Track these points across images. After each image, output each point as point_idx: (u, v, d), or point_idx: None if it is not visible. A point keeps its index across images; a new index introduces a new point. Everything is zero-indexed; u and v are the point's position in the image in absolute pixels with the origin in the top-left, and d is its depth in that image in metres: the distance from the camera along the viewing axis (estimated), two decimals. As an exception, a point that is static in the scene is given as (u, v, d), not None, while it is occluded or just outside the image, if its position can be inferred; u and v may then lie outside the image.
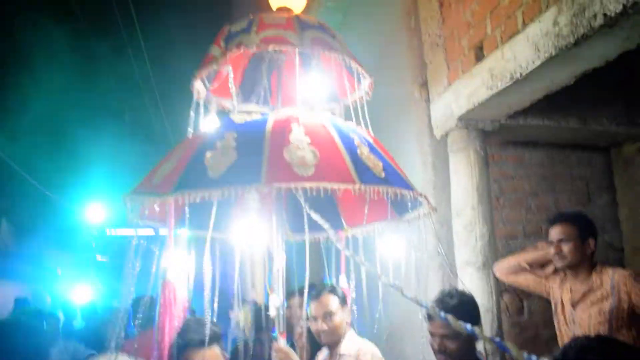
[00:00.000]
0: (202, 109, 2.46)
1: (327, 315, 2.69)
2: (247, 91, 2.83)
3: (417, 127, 3.76)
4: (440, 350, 2.26)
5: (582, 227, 2.74)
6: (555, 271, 2.91)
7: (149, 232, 2.32)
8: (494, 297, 3.01)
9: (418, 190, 2.10)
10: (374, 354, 2.64)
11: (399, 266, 2.73)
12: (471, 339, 2.29)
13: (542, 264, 2.97)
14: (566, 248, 2.70)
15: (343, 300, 2.77)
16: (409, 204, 2.31)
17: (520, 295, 3.72)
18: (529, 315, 3.72)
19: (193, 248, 2.38)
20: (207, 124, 2.45)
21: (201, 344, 1.99)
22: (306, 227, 1.99)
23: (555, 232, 2.75)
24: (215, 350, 2.09)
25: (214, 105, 2.69)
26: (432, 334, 2.29)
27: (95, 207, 8.94)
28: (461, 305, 2.28)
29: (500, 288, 3.28)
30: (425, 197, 2.16)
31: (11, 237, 8.88)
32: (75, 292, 8.34)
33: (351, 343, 2.71)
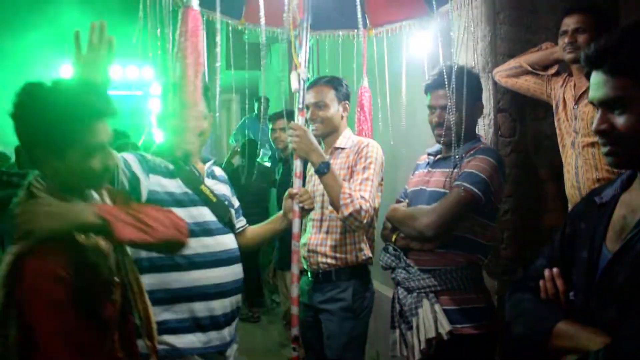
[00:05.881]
0: None
1: (320, 104, 2.54)
2: None
3: None
4: (439, 124, 2.15)
5: (601, 20, 2.54)
6: (557, 72, 2.78)
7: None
8: (492, 103, 2.89)
9: None
10: (377, 147, 2.50)
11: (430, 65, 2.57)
12: (473, 113, 2.18)
13: (545, 66, 2.83)
14: (582, 38, 2.51)
15: (343, 96, 2.62)
16: None
17: (513, 115, 3.63)
18: (519, 136, 3.66)
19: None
20: None
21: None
22: None
23: (571, 21, 2.54)
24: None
25: None
26: (431, 108, 2.17)
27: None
28: (461, 73, 2.14)
29: (498, 95, 3.17)
30: None
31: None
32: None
33: (348, 138, 2.60)
